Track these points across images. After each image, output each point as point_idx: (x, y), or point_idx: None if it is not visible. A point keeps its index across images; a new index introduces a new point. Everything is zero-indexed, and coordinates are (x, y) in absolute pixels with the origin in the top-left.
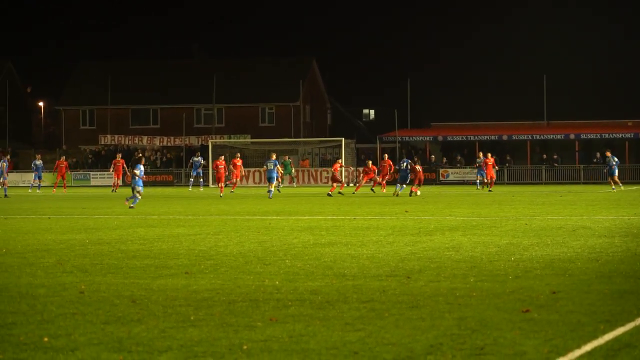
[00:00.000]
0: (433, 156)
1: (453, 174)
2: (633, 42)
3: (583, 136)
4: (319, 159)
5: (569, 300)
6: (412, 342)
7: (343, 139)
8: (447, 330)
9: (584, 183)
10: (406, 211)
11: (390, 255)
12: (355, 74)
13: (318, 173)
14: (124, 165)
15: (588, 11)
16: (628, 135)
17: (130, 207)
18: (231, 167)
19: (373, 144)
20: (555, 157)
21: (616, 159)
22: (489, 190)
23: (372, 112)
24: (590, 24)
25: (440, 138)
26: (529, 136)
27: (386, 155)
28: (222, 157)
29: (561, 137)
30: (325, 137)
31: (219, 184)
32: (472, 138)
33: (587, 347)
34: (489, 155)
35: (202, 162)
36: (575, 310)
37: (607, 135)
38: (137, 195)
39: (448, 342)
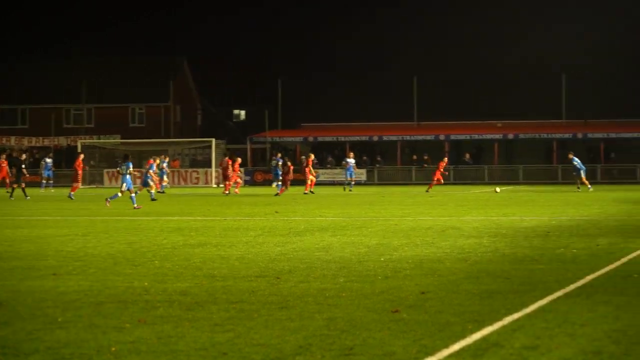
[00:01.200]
0: (303, 157)
1: (323, 174)
2: (499, 45)
3: (453, 137)
4: (189, 159)
5: (438, 300)
6: (281, 343)
7: (213, 139)
8: (317, 331)
9: (453, 184)
10: (276, 212)
11: (260, 256)
12: (226, 74)
13: (188, 174)
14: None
15: (454, 11)
16: (497, 137)
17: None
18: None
19: (244, 144)
20: (425, 157)
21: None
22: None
23: (242, 112)
24: (456, 24)
25: (310, 139)
26: (399, 137)
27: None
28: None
29: (431, 138)
30: (195, 138)
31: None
32: (343, 139)
33: (455, 347)
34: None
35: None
36: (443, 310)
37: (476, 136)
38: (119, 193)
39: (317, 343)
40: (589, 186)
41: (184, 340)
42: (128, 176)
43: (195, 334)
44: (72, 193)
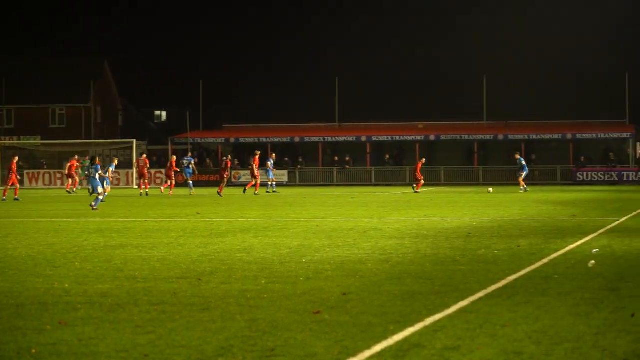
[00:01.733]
0: (224, 158)
1: (245, 176)
2: (421, 46)
3: (374, 138)
4: (110, 160)
5: (360, 301)
6: (203, 345)
7: (135, 140)
8: (238, 332)
9: (375, 185)
10: (198, 213)
11: (182, 258)
12: (148, 75)
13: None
14: None
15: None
16: (419, 138)
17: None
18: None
19: (165, 145)
20: (347, 158)
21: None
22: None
23: (164, 113)
24: (378, 25)
25: (232, 140)
26: (321, 138)
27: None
28: None
29: (353, 139)
30: (117, 139)
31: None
32: (265, 140)
33: (377, 348)
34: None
35: None
36: (365, 312)
37: (398, 137)
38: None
39: (239, 344)
40: (524, 187)
41: (105, 342)
42: (97, 178)
43: (117, 336)
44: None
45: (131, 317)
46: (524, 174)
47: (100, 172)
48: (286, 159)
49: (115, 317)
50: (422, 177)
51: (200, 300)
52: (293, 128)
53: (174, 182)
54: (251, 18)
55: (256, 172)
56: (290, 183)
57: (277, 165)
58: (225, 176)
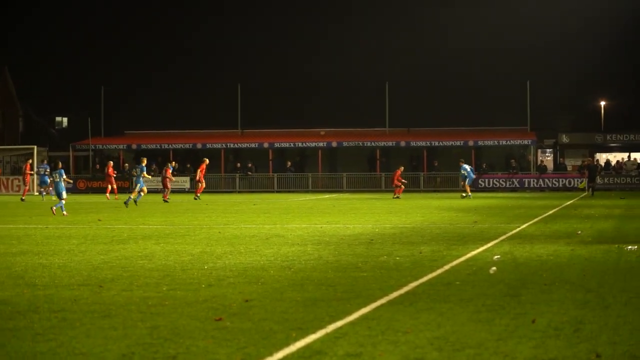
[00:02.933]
0: (127, 164)
1: (148, 182)
2: (325, 54)
3: (277, 145)
4: (10, 166)
5: (262, 308)
6: (104, 352)
7: (35, 146)
8: (140, 339)
9: (277, 191)
10: (99, 220)
11: (83, 264)
12: (48, 80)
13: (9, 181)
14: None
15: (280, 20)
16: (321, 144)
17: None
18: None
19: (66, 151)
20: (249, 165)
21: (470, 167)
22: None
23: (65, 119)
24: (280, 33)
25: (134, 146)
26: (223, 144)
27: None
28: None
29: (255, 145)
30: (16, 145)
31: None
32: (167, 146)
33: (279, 355)
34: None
35: None
36: (267, 318)
37: (300, 144)
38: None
39: (140, 352)
40: (469, 194)
41: (5, 349)
42: (62, 183)
43: (17, 344)
44: None
45: (31, 324)
46: (469, 181)
47: (64, 176)
48: (188, 165)
49: (15, 325)
50: (401, 183)
51: (102, 307)
52: (195, 134)
53: (27, 188)
54: (153, 21)
55: (201, 177)
56: (192, 190)
57: (179, 172)
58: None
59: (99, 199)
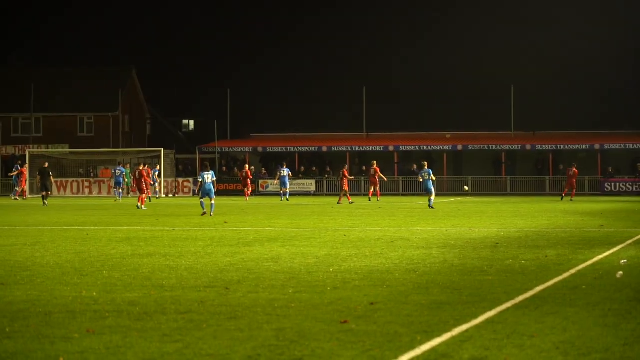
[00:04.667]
0: (253, 167)
1: (273, 185)
2: (450, 56)
3: (402, 148)
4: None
5: (387, 311)
6: (230, 353)
7: (162, 149)
8: (266, 342)
9: (402, 195)
10: (225, 222)
11: (209, 266)
12: (176, 84)
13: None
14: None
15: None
16: (446, 148)
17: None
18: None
19: (192, 154)
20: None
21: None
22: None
23: (192, 122)
24: (406, 35)
25: (260, 149)
26: (349, 147)
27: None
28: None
29: (380, 148)
30: (144, 148)
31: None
32: (292, 149)
33: (404, 358)
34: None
35: None
36: (392, 321)
37: (425, 147)
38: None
39: (266, 353)
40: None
41: (133, 350)
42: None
43: (144, 345)
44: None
45: (159, 325)
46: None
47: (213, 177)
48: (314, 168)
49: (142, 326)
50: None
51: (228, 309)
52: (320, 137)
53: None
54: (281, 27)
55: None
56: (318, 192)
57: (305, 175)
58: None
59: (225, 201)
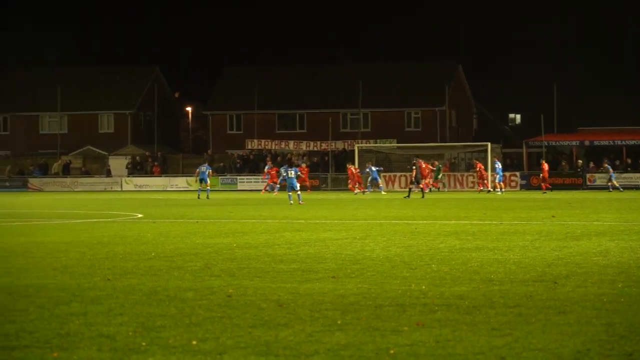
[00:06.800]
0: (580, 161)
1: (600, 179)
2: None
3: None
4: (465, 163)
5: None
6: (559, 348)
7: (489, 143)
8: (595, 336)
9: None
10: (553, 216)
11: (537, 260)
12: (501, 78)
13: (464, 178)
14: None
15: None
16: None
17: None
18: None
19: (519, 148)
20: None
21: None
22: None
23: (518, 116)
24: None
25: (586, 142)
26: None
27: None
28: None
29: None
30: (470, 142)
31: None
32: (620, 142)
33: None
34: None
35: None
36: None
37: None
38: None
39: (596, 348)
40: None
41: (462, 344)
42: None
43: (473, 338)
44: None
45: (487, 319)
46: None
47: (292, 173)
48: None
49: (471, 319)
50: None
51: (556, 303)
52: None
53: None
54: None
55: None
56: None
57: (633, 169)
58: None
59: (555, 195)
